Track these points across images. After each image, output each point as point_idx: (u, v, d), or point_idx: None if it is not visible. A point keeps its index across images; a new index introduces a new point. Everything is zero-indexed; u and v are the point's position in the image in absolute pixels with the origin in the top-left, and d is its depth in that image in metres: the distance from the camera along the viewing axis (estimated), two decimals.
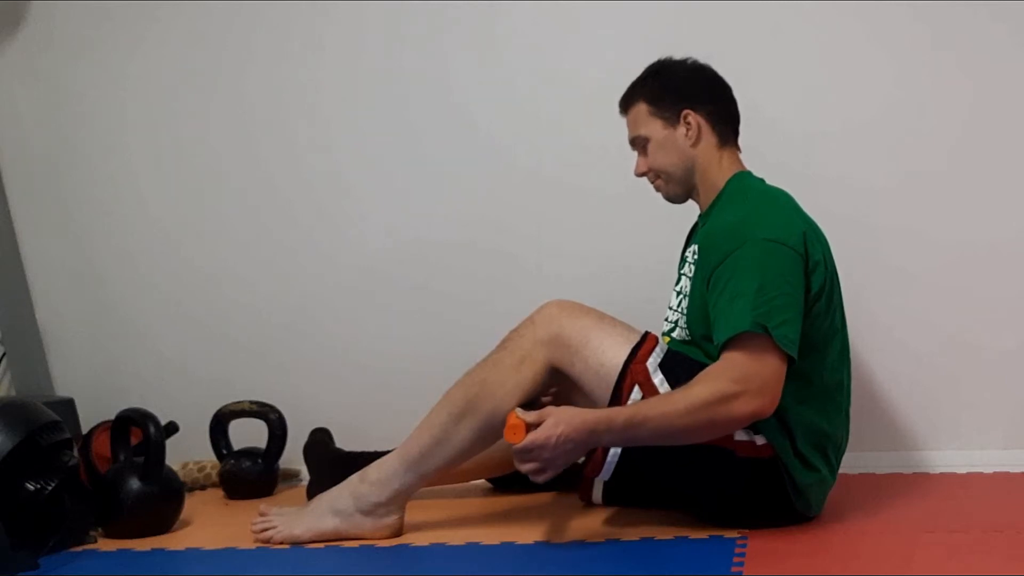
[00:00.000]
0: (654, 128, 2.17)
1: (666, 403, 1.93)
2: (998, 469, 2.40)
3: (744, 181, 2.15)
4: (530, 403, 2.07)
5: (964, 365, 2.49)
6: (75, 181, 3.05)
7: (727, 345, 1.94)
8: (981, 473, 2.39)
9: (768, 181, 2.17)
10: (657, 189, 2.23)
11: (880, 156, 2.52)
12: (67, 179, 3.05)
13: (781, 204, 2.09)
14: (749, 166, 2.19)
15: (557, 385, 2.13)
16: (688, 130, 2.14)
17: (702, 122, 2.15)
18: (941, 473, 2.43)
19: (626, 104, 2.21)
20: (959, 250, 2.49)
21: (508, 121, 2.73)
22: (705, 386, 1.91)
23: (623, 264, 2.65)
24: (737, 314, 1.94)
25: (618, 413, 1.94)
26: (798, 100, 2.55)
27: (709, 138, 2.16)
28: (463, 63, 2.76)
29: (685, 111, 2.14)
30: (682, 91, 2.16)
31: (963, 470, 2.42)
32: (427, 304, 2.81)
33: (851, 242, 2.47)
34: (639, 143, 2.20)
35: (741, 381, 1.90)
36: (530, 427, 1.91)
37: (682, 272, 2.21)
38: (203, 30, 2.92)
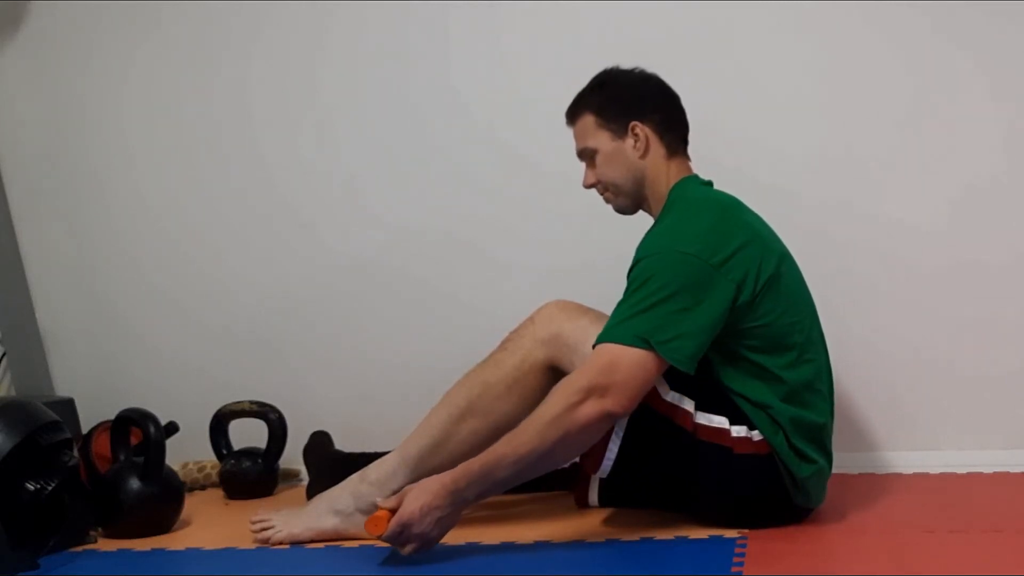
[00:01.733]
0: (602, 140, 2.14)
1: (517, 435, 1.93)
2: (998, 469, 2.40)
3: (684, 190, 2.12)
4: (532, 405, 2.08)
5: (964, 365, 2.49)
6: (75, 181, 3.05)
7: (594, 351, 1.94)
8: (981, 473, 2.39)
9: (740, 196, 2.14)
10: (607, 201, 2.21)
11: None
12: (67, 179, 3.05)
13: (712, 215, 2.04)
14: (714, 175, 2.18)
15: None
16: (636, 142, 2.12)
17: (650, 133, 2.12)
18: (941, 473, 2.43)
19: (572, 115, 2.18)
20: (959, 250, 2.49)
21: (512, 119, 2.73)
22: (548, 404, 1.92)
23: (627, 264, 2.64)
24: (620, 323, 1.93)
25: (474, 462, 1.94)
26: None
27: (658, 149, 2.13)
28: (466, 59, 2.76)
29: (633, 123, 2.12)
30: (629, 103, 2.13)
31: (963, 470, 2.42)
32: (427, 304, 2.81)
33: (844, 234, 2.49)
34: (587, 155, 2.18)
35: (586, 388, 1.89)
36: (394, 512, 1.93)
37: None
38: (204, 30, 2.92)
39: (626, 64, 2.17)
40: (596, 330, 2.06)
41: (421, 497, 1.93)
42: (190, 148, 2.97)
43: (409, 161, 2.81)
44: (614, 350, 1.92)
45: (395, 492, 2.12)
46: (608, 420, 1.93)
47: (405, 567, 1.98)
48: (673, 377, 2.00)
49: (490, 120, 2.75)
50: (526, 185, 2.73)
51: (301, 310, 2.91)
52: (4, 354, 3.00)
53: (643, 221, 2.58)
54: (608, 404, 1.90)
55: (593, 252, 2.68)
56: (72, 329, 3.07)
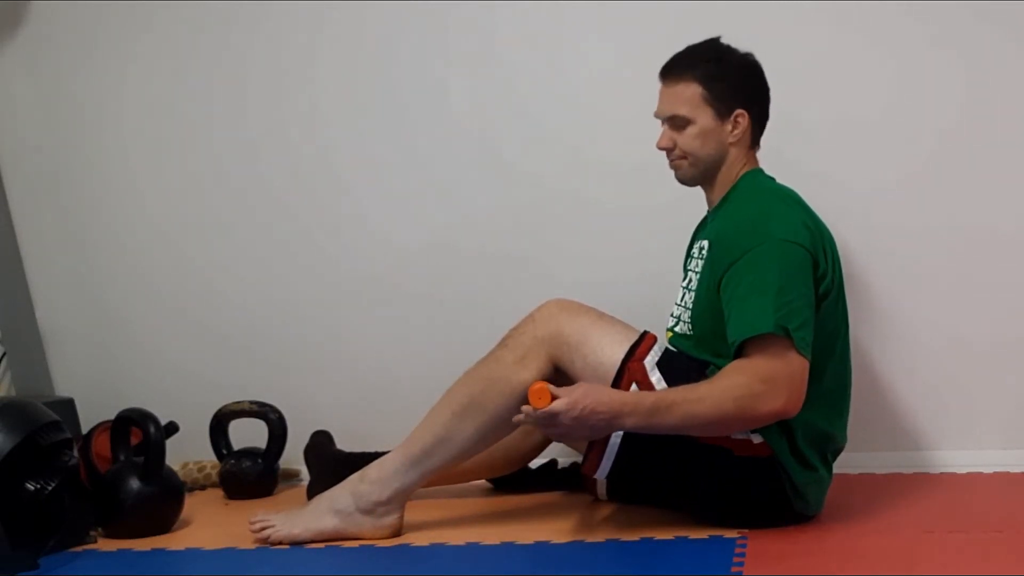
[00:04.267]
0: (703, 115, 2.12)
1: (694, 392, 1.93)
2: (998, 469, 2.40)
3: (756, 179, 2.15)
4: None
5: (964, 365, 2.49)
6: (75, 181, 3.04)
7: (748, 345, 1.94)
8: (981, 473, 2.39)
9: (778, 179, 2.18)
10: (675, 167, 2.19)
11: (882, 154, 2.52)
12: (67, 179, 3.05)
13: (793, 204, 2.09)
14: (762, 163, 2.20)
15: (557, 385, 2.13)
16: (735, 129, 2.13)
17: (749, 124, 2.14)
18: (941, 473, 2.43)
19: (676, 75, 2.13)
20: (958, 250, 2.49)
21: (508, 125, 2.73)
22: (733, 379, 1.92)
23: (624, 269, 2.64)
24: (758, 313, 1.94)
25: (645, 396, 1.94)
26: (804, 99, 2.54)
27: (747, 139, 2.15)
28: (463, 66, 2.75)
29: (739, 111, 2.12)
30: (741, 89, 2.14)
31: (963, 470, 2.42)
32: (427, 304, 2.81)
33: (852, 241, 2.49)
34: (677, 121, 2.14)
35: (768, 380, 1.90)
36: (555, 397, 1.91)
37: (688, 268, 2.21)
38: (203, 32, 2.91)
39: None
40: (596, 329, 2.07)
41: (590, 396, 1.91)
42: (189, 148, 2.96)
43: (409, 162, 2.81)
44: (775, 343, 1.92)
45: (396, 491, 2.13)
46: (781, 418, 1.95)
47: (405, 567, 1.98)
48: (673, 377, 2.00)
49: (486, 125, 2.74)
50: (524, 187, 2.73)
51: (301, 310, 2.91)
52: (4, 354, 3.00)
53: (645, 219, 2.58)
54: (788, 405, 1.92)
55: (594, 252, 2.68)
56: (72, 329, 3.07)
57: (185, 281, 2.98)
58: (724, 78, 2.12)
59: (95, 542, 2.28)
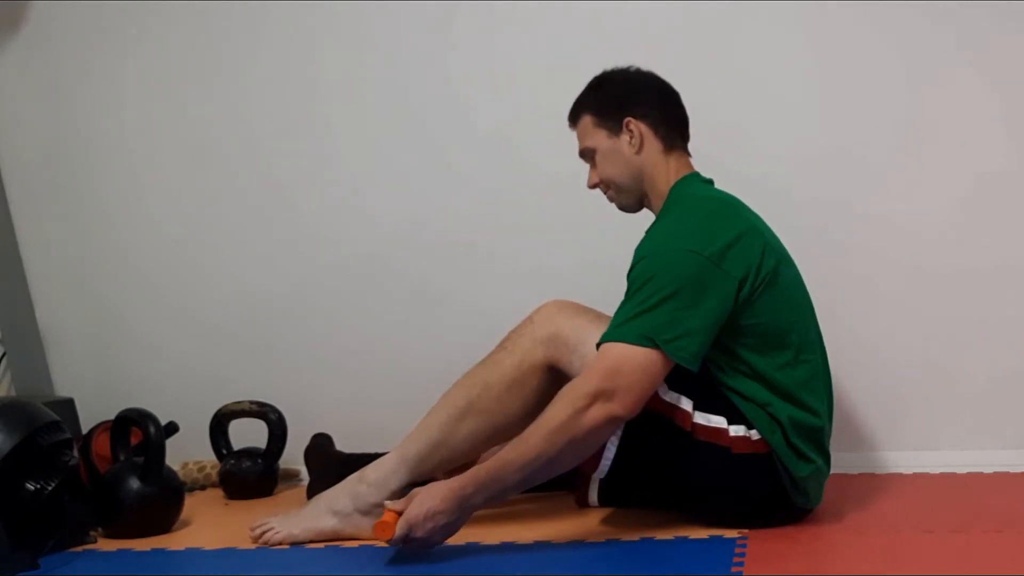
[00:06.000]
0: (599, 139, 2.15)
1: (524, 440, 1.93)
2: (998, 469, 2.40)
3: (685, 188, 2.12)
4: (532, 404, 2.08)
5: (964, 365, 2.49)
6: (75, 181, 3.05)
7: (598, 352, 1.94)
8: (981, 473, 2.39)
9: (739, 196, 2.14)
10: (610, 200, 2.22)
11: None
12: (67, 179, 3.05)
13: (711, 212, 2.05)
14: (719, 175, 2.18)
15: (557, 386, 2.13)
16: (631, 138, 2.12)
17: (644, 128, 2.12)
18: (941, 473, 2.43)
19: (573, 118, 2.20)
20: (961, 252, 2.49)
21: (511, 117, 2.73)
22: (556, 408, 1.92)
23: (627, 262, 2.64)
24: (624, 323, 1.93)
25: (481, 468, 1.95)
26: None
27: (653, 144, 2.13)
28: (466, 58, 2.76)
29: (627, 119, 2.12)
30: (623, 99, 2.14)
31: (963, 470, 2.42)
32: (427, 304, 2.81)
33: (853, 243, 2.49)
34: (588, 155, 2.19)
35: (592, 393, 1.90)
36: (400, 515, 1.93)
37: None
38: (203, 30, 2.92)
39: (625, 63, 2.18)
40: (595, 329, 2.07)
41: (427, 502, 1.93)
42: (190, 148, 2.97)
43: (409, 161, 2.81)
44: (619, 351, 1.92)
45: (395, 492, 2.13)
46: (615, 424, 1.94)
47: (405, 567, 1.98)
48: (671, 377, 2.00)
49: (490, 120, 2.75)
50: (525, 185, 2.73)
51: (301, 310, 2.91)
52: (4, 354, 3.00)
53: (644, 220, 2.59)
54: (614, 408, 1.90)
55: (593, 252, 2.68)
56: (72, 329, 3.07)
57: (185, 281, 2.99)
58: (605, 97, 2.16)
59: (95, 542, 2.28)
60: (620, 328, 1.94)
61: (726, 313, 1.97)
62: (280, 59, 2.88)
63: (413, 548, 1.95)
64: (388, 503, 2.00)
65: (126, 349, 3.04)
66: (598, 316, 2.12)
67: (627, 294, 1.99)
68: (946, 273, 2.49)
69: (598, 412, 1.89)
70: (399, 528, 1.93)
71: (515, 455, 1.92)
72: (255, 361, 2.93)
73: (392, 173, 2.83)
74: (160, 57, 2.96)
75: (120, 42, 2.98)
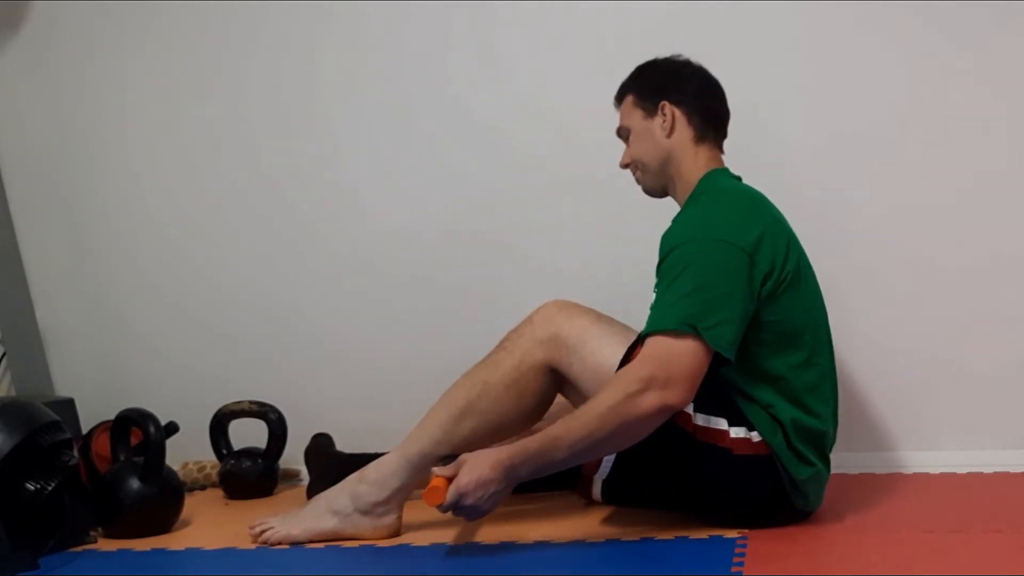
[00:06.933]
0: (635, 118, 2.19)
1: (575, 418, 1.93)
2: (998, 469, 2.40)
3: (714, 180, 2.13)
4: (531, 405, 2.08)
5: (964, 365, 2.49)
6: (75, 181, 3.05)
7: (646, 341, 1.94)
8: (981, 473, 2.39)
9: (753, 185, 2.16)
10: (637, 181, 2.25)
11: (865, 166, 2.52)
12: (67, 179, 3.05)
13: (740, 203, 2.07)
14: (737, 168, 2.18)
15: (557, 387, 2.13)
16: (664, 121, 2.15)
17: (678, 114, 2.15)
18: (941, 473, 2.43)
19: (618, 98, 2.25)
20: (958, 250, 2.49)
21: (510, 114, 2.73)
22: (609, 391, 1.91)
23: (628, 260, 2.63)
24: (665, 311, 1.94)
25: (531, 441, 1.94)
26: (789, 110, 2.55)
27: (685, 131, 2.15)
28: (465, 59, 2.76)
29: (663, 102, 2.15)
30: (664, 84, 2.18)
31: (963, 470, 2.42)
32: (427, 305, 2.81)
33: (854, 240, 2.49)
34: (623, 133, 2.23)
35: (646, 379, 1.90)
36: (451, 481, 1.92)
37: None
38: (203, 30, 2.92)
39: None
40: (595, 331, 2.07)
41: (477, 470, 1.91)
42: (190, 148, 2.97)
43: (408, 162, 2.81)
44: (666, 340, 1.92)
45: (395, 491, 2.13)
46: (667, 413, 1.93)
47: (405, 567, 1.98)
48: None
49: (489, 120, 2.74)
50: (526, 186, 2.73)
51: (301, 310, 2.91)
52: (4, 354, 3.01)
53: (645, 221, 2.58)
54: (669, 397, 1.90)
55: (594, 253, 2.68)
56: (72, 329, 3.07)
57: (185, 281, 2.99)
58: (646, 78, 2.20)
59: (95, 542, 2.28)
60: (663, 316, 1.94)
61: (755, 305, 1.98)
62: (280, 60, 2.88)
63: (461, 515, 1.95)
64: (436, 469, 1.97)
65: (126, 349, 3.04)
66: (598, 317, 2.12)
67: (662, 282, 1.99)
68: (946, 271, 2.48)
69: (653, 399, 1.89)
70: (450, 495, 1.91)
71: (565, 432, 1.92)
72: (255, 361, 2.93)
73: (391, 174, 2.83)
74: (160, 57, 2.96)
75: (120, 42, 2.98)
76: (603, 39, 2.66)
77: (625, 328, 2.11)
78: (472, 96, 2.76)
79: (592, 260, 2.67)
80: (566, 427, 1.92)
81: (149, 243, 3.01)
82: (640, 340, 1.97)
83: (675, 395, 1.91)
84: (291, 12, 2.85)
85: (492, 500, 1.93)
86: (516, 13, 2.71)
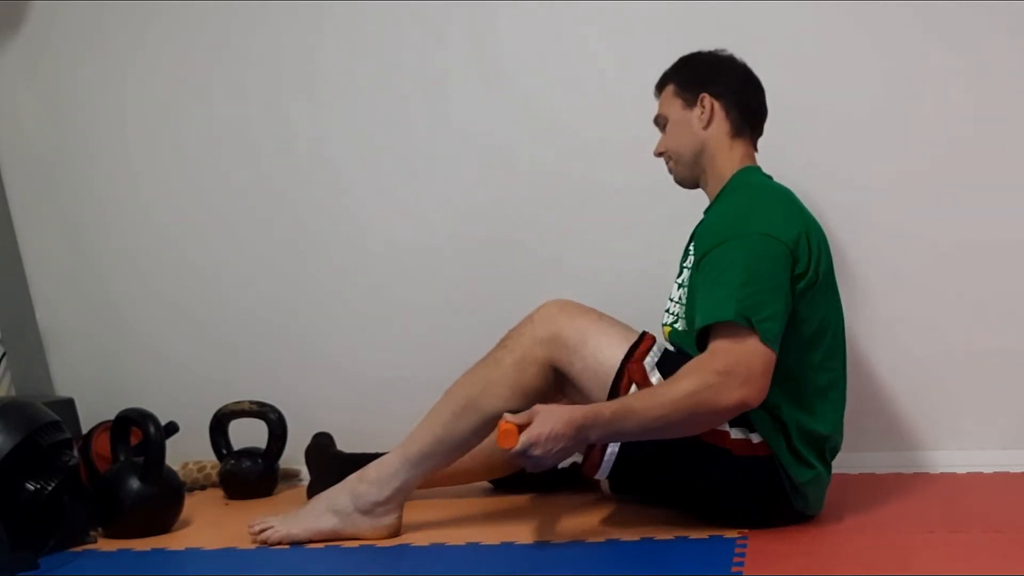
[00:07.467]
0: (674, 108, 2.21)
1: (652, 396, 1.94)
2: (998, 469, 2.40)
3: (748, 176, 2.16)
4: (532, 403, 2.07)
5: (964, 365, 2.49)
6: (75, 181, 3.05)
7: (710, 334, 1.95)
8: (981, 473, 2.40)
9: (773, 177, 2.18)
10: (670, 171, 2.26)
11: (877, 154, 2.52)
12: (67, 179, 3.05)
13: (780, 200, 2.10)
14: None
15: (557, 386, 2.13)
16: (702, 112, 2.16)
17: (717, 107, 2.17)
18: (941, 473, 2.43)
19: (659, 86, 2.26)
20: (957, 251, 2.49)
21: (509, 119, 2.73)
22: (690, 378, 1.92)
23: (627, 265, 2.64)
24: (721, 302, 1.95)
25: (605, 407, 1.94)
26: (800, 96, 2.55)
27: (721, 124, 2.17)
28: (462, 58, 2.75)
29: (703, 94, 2.17)
30: (705, 76, 2.19)
31: (963, 470, 2.42)
32: (429, 304, 2.81)
33: (849, 241, 2.49)
34: (660, 122, 2.25)
35: (725, 372, 1.90)
36: (522, 428, 1.91)
37: (684, 264, 2.22)
38: (203, 31, 2.92)
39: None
40: (596, 330, 2.07)
41: (550, 423, 1.90)
42: (189, 148, 2.96)
43: (409, 163, 2.81)
44: (734, 334, 1.92)
45: (395, 491, 2.13)
46: (743, 409, 1.94)
47: (405, 567, 1.98)
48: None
49: (488, 124, 2.74)
50: (525, 187, 2.73)
51: (301, 310, 2.91)
52: (4, 354, 3.00)
53: (646, 223, 2.59)
54: (749, 394, 1.91)
55: (595, 253, 2.68)
56: (72, 329, 3.07)
57: (185, 281, 2.98)
58: (688, 69, 2.22)
59: (95, 542, 2.28)
60: (721, 306, 1.94)
61: (792, 302, 2.00)
62: (279, 61, 2.88)
63: (528, 463, 1.94)
64: (508, 415, 1.95)
65: (126, 349, 3.04)
66: (599, 317, 2.12)
67: (710, 274, 2.00)
68: (951, 270, 2.49)
69: (733, 395, 1.90)
70: (521, 442, 1.90)
71: (640, 407, 1.92)
72: (255, 361, 2.93)
73: (394, 174, 2.82)
74: (160, 57, 2.96)
75: (120, 43, 2.98)
76: (603, 39, 2.65)
77: (625, 328, 2.11)
78: (472, 96, 2.75)
79: (592, 261, 2.67)
80: (641, 401, 1.93)
81: (149, 243, 3.01)
82: (700, 333, 1.96)
83: (754, 393, 1.91)
84: (291, 13, 2.84)
85: (559, 455, 1.92)
86: (516, 12, 2.71)
